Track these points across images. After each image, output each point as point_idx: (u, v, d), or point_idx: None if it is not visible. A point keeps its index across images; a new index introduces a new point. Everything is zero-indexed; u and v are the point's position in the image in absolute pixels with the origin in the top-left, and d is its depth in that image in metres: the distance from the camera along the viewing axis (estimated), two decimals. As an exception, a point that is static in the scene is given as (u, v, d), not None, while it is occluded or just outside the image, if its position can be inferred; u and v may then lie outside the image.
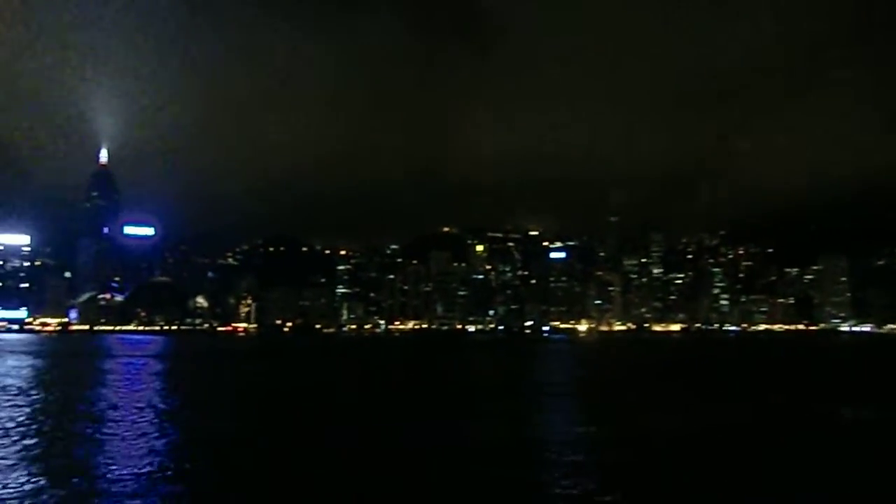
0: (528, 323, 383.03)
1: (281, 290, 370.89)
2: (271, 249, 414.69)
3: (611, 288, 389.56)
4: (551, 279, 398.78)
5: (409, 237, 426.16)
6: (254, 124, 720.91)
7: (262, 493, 21.83)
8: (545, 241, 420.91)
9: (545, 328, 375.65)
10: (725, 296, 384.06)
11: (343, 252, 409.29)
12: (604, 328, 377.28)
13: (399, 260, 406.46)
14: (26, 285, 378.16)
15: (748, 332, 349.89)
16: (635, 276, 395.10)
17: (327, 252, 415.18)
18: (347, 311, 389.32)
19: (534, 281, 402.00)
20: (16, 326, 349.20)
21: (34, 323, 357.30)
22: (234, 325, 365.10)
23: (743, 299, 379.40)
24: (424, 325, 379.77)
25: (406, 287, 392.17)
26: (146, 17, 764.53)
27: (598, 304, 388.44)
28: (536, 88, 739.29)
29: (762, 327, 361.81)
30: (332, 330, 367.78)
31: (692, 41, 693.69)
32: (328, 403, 49.03)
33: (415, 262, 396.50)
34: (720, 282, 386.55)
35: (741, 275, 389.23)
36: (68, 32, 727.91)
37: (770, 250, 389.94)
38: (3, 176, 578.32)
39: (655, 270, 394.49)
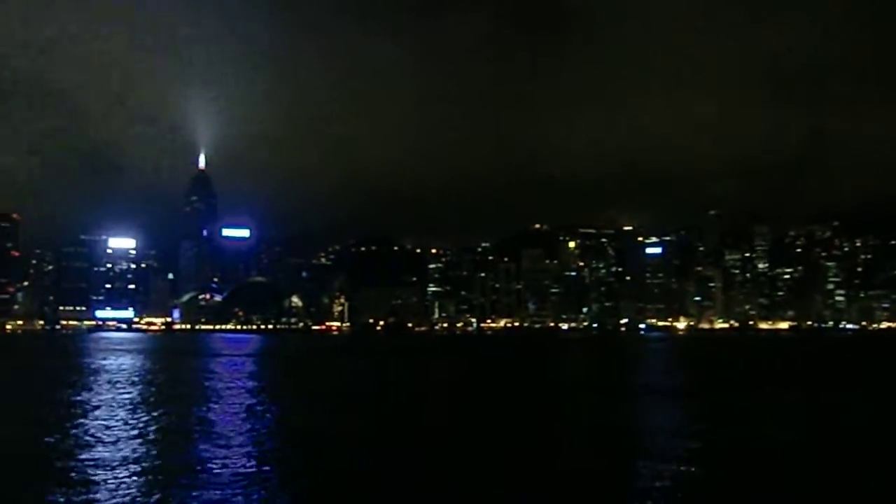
0: (624, 321, 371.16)
1: (373, 290, 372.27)
2: (363, 249, 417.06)
3: (711, 284, 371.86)
4: (647, 275, 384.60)
5: (501, 235, 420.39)
6: (342, 126, 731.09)
7: (363, 490, 21.07)
8: (640, 236, 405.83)
9: (642, 326, 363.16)
10: (841, 291, 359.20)
11: (434, 251, 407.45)
12: (704, 326, 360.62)
13: (490, 258, 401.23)
14: (133, 286, 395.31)
15: (868, 330, 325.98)
16: (738, 271, 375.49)
17: (418, 251, 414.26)
18: (439, 310, 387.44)
19: (628, 278, 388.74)
20: (124, 325, 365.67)
21: (141, 322, 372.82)
22: (327, 324, 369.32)
23: (862, 295, 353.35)
24: (516, 324, 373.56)
25: (497, 285, 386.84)
26: (240, 27, 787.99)
27: (698, 300, 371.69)
28: (628, 80, 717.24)
29: (884, 325, 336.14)
30: (423, 329, 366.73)
31: (782, 28, 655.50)
32: (428, 401, 47.04)
33: (506, 259, 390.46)
34: (834, 276, 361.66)
35: (859, 269, 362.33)
36: (169, 45, 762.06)
37: (893, 242, 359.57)
38: (111, 182, 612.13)
39: (760, 265, 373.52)
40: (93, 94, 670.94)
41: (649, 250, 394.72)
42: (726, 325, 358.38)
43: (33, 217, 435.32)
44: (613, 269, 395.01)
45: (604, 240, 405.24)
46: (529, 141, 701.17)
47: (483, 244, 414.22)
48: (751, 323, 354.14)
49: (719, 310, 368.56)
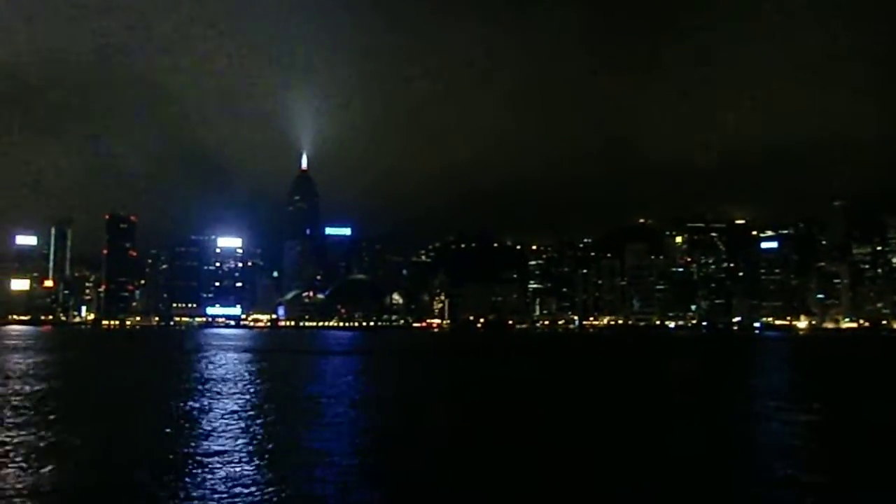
0: (736, 319, 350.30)
1: (473, 287, 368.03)
2: (462, 246, 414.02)
3: (836, 280, 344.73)
4: (762, 271, 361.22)
5: (603, 230, 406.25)
6: (438, 121, 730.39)
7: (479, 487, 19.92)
8: (753, 230, 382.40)
9: (757, 325, 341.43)
10: None
11: (535, 247, 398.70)
12: (828, 325, 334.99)
13: (592, 254, 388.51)
14: (240, 284, 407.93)
15: None
16: (867, 266, 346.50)
17: (518, 247, 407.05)
18: (540, 307, 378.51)
19: (741, 274, 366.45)
20: (232, 322, 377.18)
21: (248, 319, 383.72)
22: (428, 321, 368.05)
23: None
24: (620, 322, 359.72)
25: (600, 282, 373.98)
26: (342, 30, 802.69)
27: (821, 298, 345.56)
28: (740, 70, 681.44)
29: None
30: (524, 326, 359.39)
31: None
32: (532, 401, 43.29)
33: (609, 255, 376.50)
34: None
35: None
36: (272, 48, 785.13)
37: None
38: (220, 184, 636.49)
39: (895, 260, 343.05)
40: (201, 97, 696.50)
41: (764, 245, 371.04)
42: (854, 325, 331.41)
43: (149, 219, 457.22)
44: (724, 264, 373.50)
45: (713, 234, 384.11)
46: (631, 132, 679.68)
47: (585, 240, 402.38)
48: (883, 322, 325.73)
49: (846, 308, 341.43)
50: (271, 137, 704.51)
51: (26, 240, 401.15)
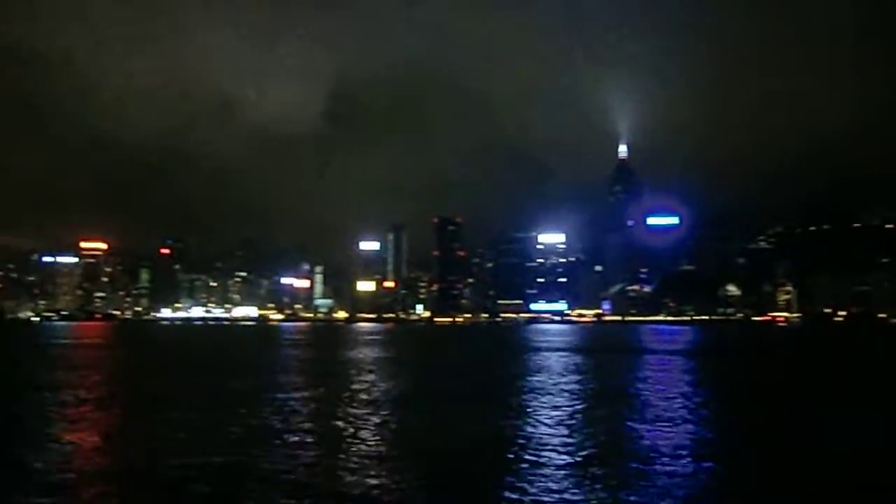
0: None
1: (827, 275, 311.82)
2: (812, 229, 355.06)
3: None
4: None
5: None
6: (770, 91, 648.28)
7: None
8: None
9: None
10: None
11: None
12: None
13: None
14: (564, 280, 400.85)
15: None
16: None
17: (889, 226, 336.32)
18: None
19: None
20: (557, 318, 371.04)
21: (572, 314, 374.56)
22: (771, 314, 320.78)
23: None
24: None
25: None
26: (670, 18, 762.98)
27: None
28: None
29: None
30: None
31: None
32: None
33: None
34: None
35: None
36: (576, 33, 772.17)
37: None
38: (539, 180, 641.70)
39: None
40: (513, 96, 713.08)
41: None
42: None
43: (474, 219, 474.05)
44: None
45: None
46: None
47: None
48: None
49: None
50: (588, 129, 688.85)
51: (369, 245, 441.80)
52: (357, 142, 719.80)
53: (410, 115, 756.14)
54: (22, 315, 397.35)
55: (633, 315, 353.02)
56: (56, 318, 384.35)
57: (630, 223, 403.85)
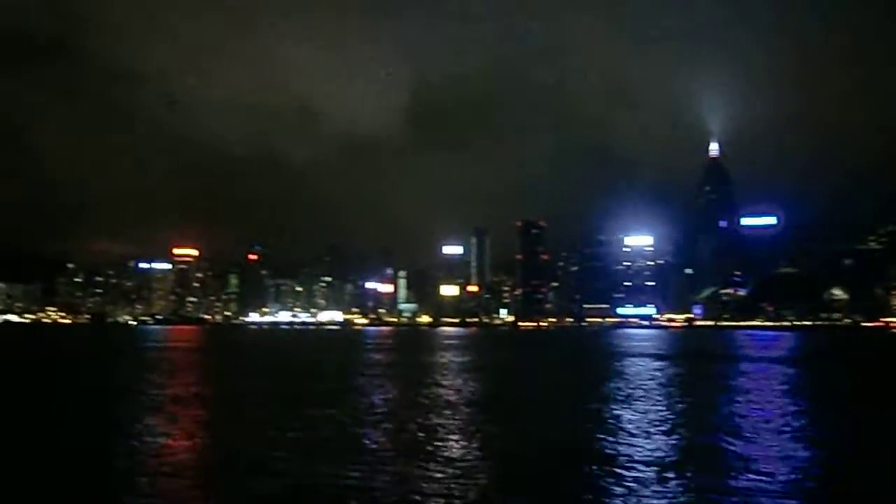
0: None
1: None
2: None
3: None
4: None
5: None
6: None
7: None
8: None
9: None
10: None
11: None
12: None
13: None
14: (652, 283, 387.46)
15: None
16: None
17: None
18: None
19: None
20: (645, 322, 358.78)
21: (661, 319, 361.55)
22: (883, 319, 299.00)
23: None
24: None
25: None
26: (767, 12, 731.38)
27: None
28: None
29: None
30: None
31: None
32: None
33: None
34: None
35: None
36: (675, 39, 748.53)
37: None
38: (623, 181, 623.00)
39: None
40: (594, 94, 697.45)
41: None
42: None
43: (557, 222, 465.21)
44: None
45: None
46: None
47: None
48: None
49: None
50: (674, 126, 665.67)
51: (452, 249, 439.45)
52: (439, 144, 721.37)
53: (492, 117, 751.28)
54: (120, 319, 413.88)
55: (726, 320, 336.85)
56: (151, 321, 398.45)
57: (722, 224, 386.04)
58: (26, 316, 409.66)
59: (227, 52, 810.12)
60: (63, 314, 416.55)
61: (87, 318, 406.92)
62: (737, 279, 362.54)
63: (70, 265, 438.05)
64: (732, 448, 22.66)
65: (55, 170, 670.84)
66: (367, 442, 23.37)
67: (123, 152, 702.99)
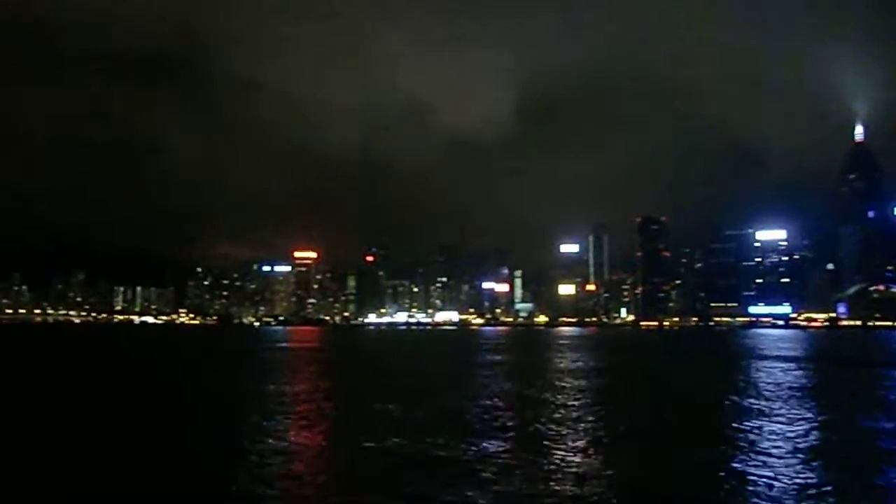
0: None
1: None
2: None
3: None
4: None
5: None
6: None
7: None
8: None
9: None
10: None
11: None
12: None
13: None
14: (787, 280, 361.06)
15: None
16: None
17: None
18: None
19: None
20: (780, 322, 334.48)
21: (799, 318, 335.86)
22: None
23: None
24: None
25: None
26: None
27: None
28: None
29: None
30: None
31: None
32: None
33: None
34: None
35: None
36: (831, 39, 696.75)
37: None
38: (751, 170, 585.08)
39: None
40: (711, 80, 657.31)
41: None
42: None
43: (679, 217, 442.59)
44: None
45: None
46: None
47: None
48: None
49: None
50: (808, 111, 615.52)
51: (569, 248, 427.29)
52: (553, 142, 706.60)
53: (606, 113, 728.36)
54: (245, 320, 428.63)
55: (876, 319, 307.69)
56: (274, 322, 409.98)
57: (871, 214, 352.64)
58: (161, 318, 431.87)
59: (339, 56, 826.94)
60: (192, 315, 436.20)
61: (214, 320, 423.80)
62: (889, 274, 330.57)
63: (199, 270, 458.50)
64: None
65: (183, 179, 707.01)
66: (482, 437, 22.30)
67: (245, 160, 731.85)
